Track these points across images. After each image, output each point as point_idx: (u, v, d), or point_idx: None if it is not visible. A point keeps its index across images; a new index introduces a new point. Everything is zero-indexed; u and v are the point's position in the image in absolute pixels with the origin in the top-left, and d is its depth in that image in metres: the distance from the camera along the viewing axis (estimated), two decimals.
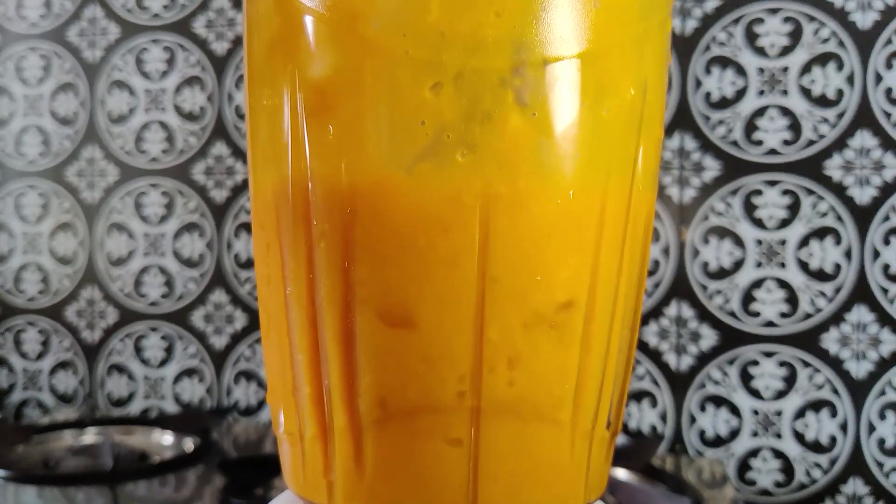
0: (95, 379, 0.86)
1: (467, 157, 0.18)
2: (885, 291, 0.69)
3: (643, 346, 0.73)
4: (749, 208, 0.71)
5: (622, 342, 0.22)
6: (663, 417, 0.73)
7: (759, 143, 0.71)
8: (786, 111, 0.70)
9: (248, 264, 0.82)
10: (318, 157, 0.20)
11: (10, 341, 0.88)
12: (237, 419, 0.82)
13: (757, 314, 0.71)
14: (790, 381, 0.70)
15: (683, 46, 0.72)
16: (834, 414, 0.70)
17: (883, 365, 0.69)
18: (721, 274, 0.72)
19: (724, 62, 0.72)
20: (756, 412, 0.71)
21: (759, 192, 0.71)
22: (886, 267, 0.69)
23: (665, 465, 0.68)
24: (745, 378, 0.71)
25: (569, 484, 0.22)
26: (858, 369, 0.69)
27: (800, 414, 0.70)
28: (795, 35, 0.70)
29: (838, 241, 0.69)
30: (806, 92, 0.70)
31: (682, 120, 0.72)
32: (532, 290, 0.20)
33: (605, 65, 0.19)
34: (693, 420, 0.72)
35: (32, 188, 0.88)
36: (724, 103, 0.72)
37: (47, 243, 0.87)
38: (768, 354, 0.71)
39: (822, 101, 0.70)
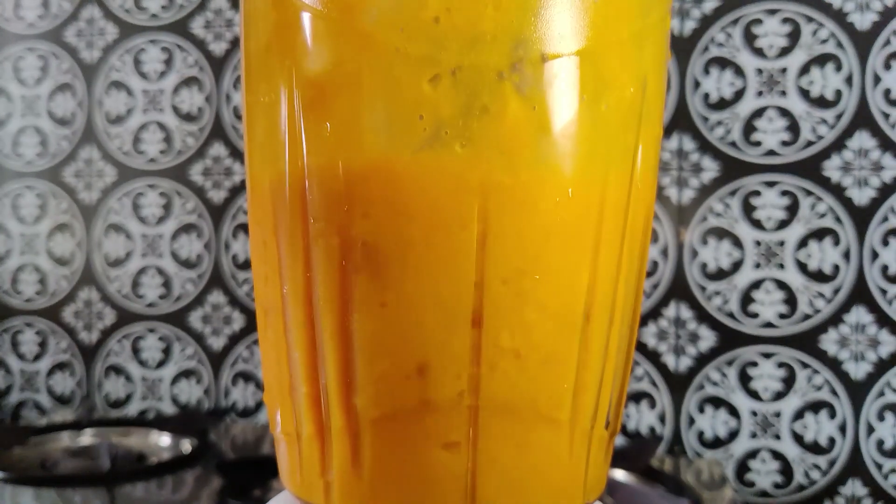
0: (93, 380, 0.86)
1: (465, 151, 0.18)
2: (884, 292, 0.69)
3: (642, 347, 0.73)
4: (748, 209, 0.71)
5: (621, 341, 0.22)
6: (662, 419, 0.73)
7: (758, 143, 0.71)
8: (784, 112, 0.70)
9: (246, 265, 0.82)
10: (316, 153, 0.19)
11: (8, 342, 0.88)
12: (235, 420, 0.82)
13: (756, 315, 0.71)
14: (789, 382, 0.70)
15: (682, 47, 0.72)
16: (833, 415, 0.70)
17: (882, 366, 0.69)
18: (720, 275, 0.72)
19: (722, 63, 0.72)
20: (755, 413, 0.71)
21: (757, 193, 0.71)
22: (885, 268, 0.69)
23: (664, 466, 0.68)
24: (744, 379, 0.71)
25: (567, 484, 0.22)
26: (857, 370, 0.69)
27: (799, 415, 0.70)
28: (794, 36, 0.70)
29: (837, 242, 0.69)
30: (804, 93, 0.70)
31: (680, 121, 0.72)
32: (531, 287, 0.19)
33: (605, 62, 0.19)
34: (692, 421, 0.72)
35: (30, 189, 0.87)
36: (722, 104, 0.72)
37: (45, 244, 0.87)
38: (767, 355, 0.71)
39: (821, 102, 0.70)
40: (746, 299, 0.71)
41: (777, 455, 0.71)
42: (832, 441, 0.70)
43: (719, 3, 0.72)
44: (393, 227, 0.19)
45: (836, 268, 0.69)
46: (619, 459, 0.61)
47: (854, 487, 0.69)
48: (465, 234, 0.19)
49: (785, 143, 0.70)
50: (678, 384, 0.73)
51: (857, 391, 0.69)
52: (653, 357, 0.73)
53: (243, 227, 0.82)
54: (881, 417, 0.69)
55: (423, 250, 0.19)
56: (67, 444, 0.71)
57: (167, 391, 0.84)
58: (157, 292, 0.84)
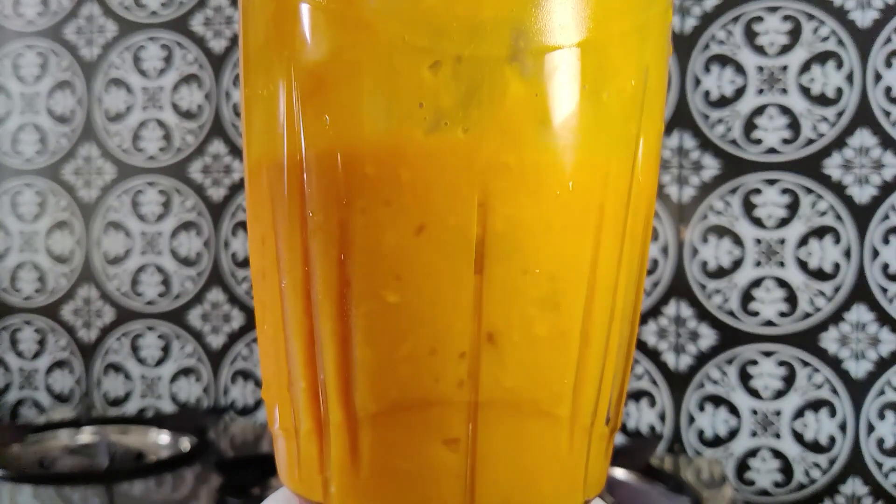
0: (92, 378, 0.86)
1: (467, 138, 0.18)
2: (885, 291, 0.69)
3: (642, 346, 0.73)
4: (748, 207, 0.71)
5: (622, 337, 0.22)
6: (662, 417, 0.73)
7: (759, 141, 0.71)
8: (785, 110, 0.70)
9: (246, 263, 0.82)
10: (314, 145, 0.19)
11: (7, 340, 0.88)
12: (234, 419, 0.82)
13: (756, 313, 0.71)
14: (789, 380, 0.70)
15: (683, 45, 0.72)
16: (833, 414, 0.69)
17: (882, 364, 0.69)
18: (720, 273, 0.71)
19: (723, 60, 0.71)
20: (755, 412, 0.71)
21: (758, 191, 0.71)
22: (886, 266, 0.69)
23: (664, 464, 0.68)
24: (744, 377, 0.71)
25: (567, 480, 0.22)
26: (858, 369, 0.69)
27: (799, 414, 0.70)
28: (795, 33, 0.70)
29: (837, 240, 0.69)
30: (805, 90, 0.70)
31: (681, 118, 0.72)
32: (531, 281, 0.19)
33: (606, 54, 0.19)
34: (692, 420, 0.72)
35: (29, 186, 0.87)
36: (723, 102, 0.71)
37: (44, 242, 0.87)
38: (767, 354, 0.70)
39: (822, 100, 0.69)
40: (747, 297, 0.71)
41: (777, 454, 0.70)
42: (832, 440, 0.70)
43: (720, 0, 0.71)
44: (392, 218, 0.19)
45: (837, 266, 0.69)
46: (618, 457, 0.61)
47: (854, 486, 0.69)
48: (465, 228, 0.19)
49: (786, 141, 0.70)
50: (678, 382, 0.72)
51: (858, 390, 0.69)
52: (653, 355, 0.73)
53: (243, 225, 0.82)
54: (881, 416, 0.69)
55: (423, 243, 0.19)
56: (66, 442, 0.71)
57: (166, 389, 0.84)
58: (157, 290, 0.84)
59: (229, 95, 0.82)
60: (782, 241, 0.70)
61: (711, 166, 0.71)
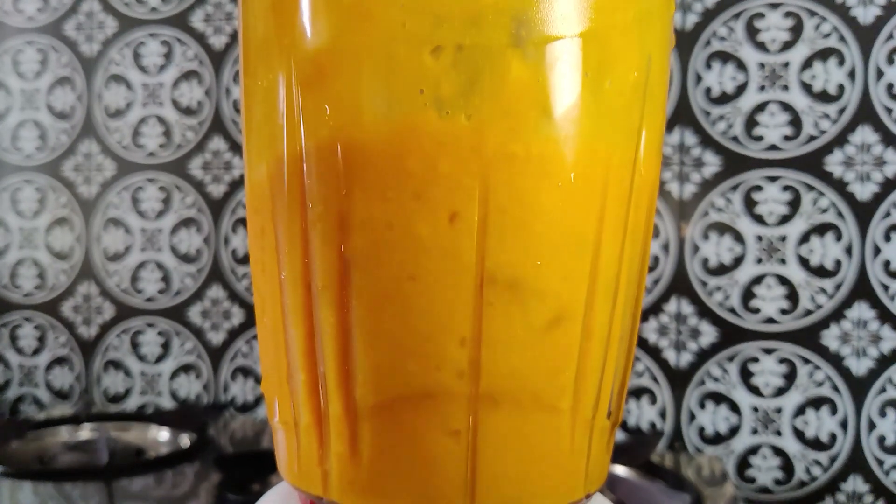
0: (92, 375, 0.86)
1: (469, 125, 0.18)
2: (886, 288, 0.68)
3: (642, 343, 0.73)
4: (749, 204, 0.71)
5: (623, 329, 0.22)
6: (662, 414, 0.73)
7: (760, 138, 0.70)
8: (786, 106, 0.70)
9: (246, 260, 0.82)
10: (314, 134, 0.19)
11: (6, 337, 0.88)
12: (234, 415, 0.82)
13: (757, 311, 0.71)
14: (790, 378, 0.70)
15: (684, 41, 0.72)
16: (834, 411, 0.69)
17: (883, 362, 0.69)
18: (721, 270, 0.71)
19: (724, 57, 0.71)
20: (756, 409, 0.71)
21: (759, 188, 0.70)
22: (887, 263, 0.68)
23: (664, 461, 0.68)
24: (745, 375, 0.71)
25: (569, 474, 0.22)
26: (859, 366, 0.69)
27: (800, 411, 0.70)
28: (796, 30, 0.70)
29: (839, 237, 0.69)
30: (807, 87, 0.70)
31: (682, 115, 0.72)
32: (532, 273, 0.19)
33: (608, 44, 0.19)
34: (692, 417, 0.72)
35: (29, 183, 0.87)
36: (724, 98, 0.71)
37: (44, 238, 0.87)
38: (768, 351, 0.70)
39: (823, 97, 0.69)
40: (748, 295, 0.71)
41: (778, 451, 0.70)
42: (833, 437, 0.69)
43: None
44: (393, 208, 0.19)
45: (838, 263, 0.69)
46: (619, 454, 0.60)
47: (855, 484, 0.69)
48: (467, 217, 0.18)
49: (787, 138, 0.70)
50: (679, 380, 0.72)
51: (859, 387, 0.69)
52: (654, 352, 0.73)
53: (243, 222, 0.82)
54: (882, 413, 0.69)
55: (424, 232, 0.19)
56: (66, 439, 0.71)
57: (166, 386, 0.84)
58: (157, 287, 0.84)
59: (229, 92, 0.82)
60: (783, 238, 0.70)
61: (712, 163, 0.71)
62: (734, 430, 0.71)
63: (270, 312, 0.22)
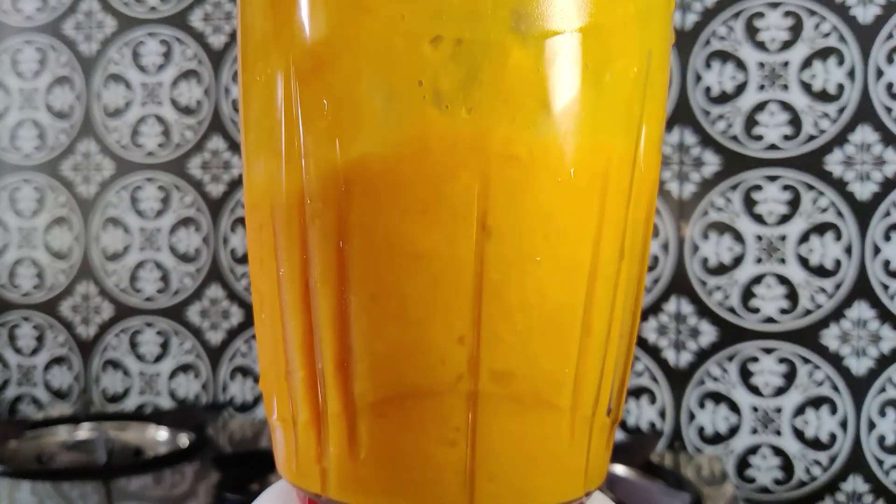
0: (90, 375, 0.85)
1: (467, 125, 0.18)
2: (886, 288, 0.68)
3: (642, 343, 0.73)
4: (749, 204, 0.71)
5: (623, 326, 0.22)
6: (662, 414, 0.72)
7: (760, 138, 0.70)
8: (786, 106, 0.70)
9: (245, 259, 0.82)
10: (312, 129, 0.19)
11: (5, 337, 0.88)
12: (233, 415, 0.82)
13: (757, 310, 0.70)
14: (790, 377, 0.70)
15: (683, 41, 0.72)
16: (834, 411, 0.69)
17: (883, 361, 0.69)
18: (721, 270, 0.71)
19: (724, 56, 0.71)
20: (755, 409, 0.71)
21: (759, 188, 0.70)
22: (887, 263, 0.68)
23: (664, 461, 0.68)
24: (745, 374, 0.71)
25: (568, 471, 0.21)
26: (859, 366, 0.69)
27: (799, 411, 0.70)
28: (796, 29, 0.70)
29: (839, 236, 0.69)
30: (806, 87, 0.70)
31: (681, 114, 0.72)
32: (532, 269, 0.19)
33: (608, 38, 0.19)
34: (692, 417, 0.72)
35: (27, 182, 0.87)
36: (724, 98, 0.71)
37: (42, 238, 0.87)
38: (768, 351, 0.70)
39: (823, 96, 0.69)
40: (747, 294, 0.71)
41: (778, 451, 0.70)
42: (833, 437, 0.69)
43: None
44: (391, 205, 0.18)
45: (838, 263, 0.69)
46: (618, 454, 0.60)
47: (855, 484, 0.69)
48: (466, 213, 0.18)
49: (787, 138, 0.70)
50: (678, 379, 0.72)
51: (859, 387, 0.69)
52: (653, 352, 0.73)
53: (242, 222, 0.82)
54: (882, 413, 0.69)
55: (423, 227, 0.18)
56: (64, 438, 0.71)
57: (165, 385, 0.84)
58: (156, 286, 0.84)
59: (228, 91, 0.82)
60: (783, 238, 0.70)
61: (712, 163, 0.71)
62: (734, 430, 0.71)
63: (269, 309, 0.22)
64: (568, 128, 0.18)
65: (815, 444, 0.70)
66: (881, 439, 0.69)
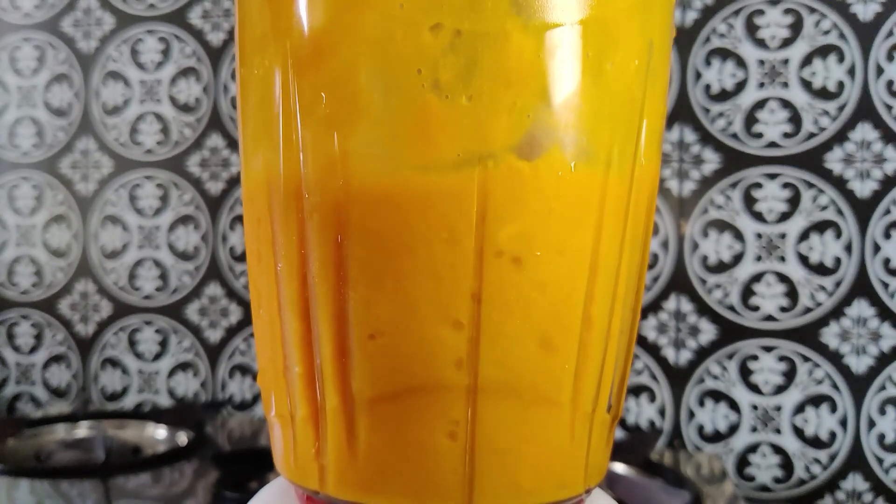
0: (89, 373, 0.85)
1: (467, 112, 0.18)
2: (886, 286, 0.68)
3: (641, 341, 0.72)
4: (749, 201, 0.70)
5: (623, 322, 0.22)
6: (662, 412, 0.72)
7: (760, 135, 0.70)
8: (786, 103, 0.70)
9: (244, 257, 0.82)
10: (310, 123, 0.19)
11: (3, 335, 0.87)
12: (231, 413, 0.81)
13: (756, 308, 0.70)
14: (790, 375, 0.70)
15: (683, 38, 0.72)
16: (834, 409, 0.69)
17: (883, 360, 0.68)
18: (720, 268, 0.71)
19: (724, 54, 0.71)
20: (755, 407, 0.70)
21: (758, 185, 0.70)
22: (887, 261, 0.68)
23: (663, 459, 0.67)
24: (745, 373, 0.71)
25: (568, 468, 0.21)
26: (858, 364, 0.69)
27: (799, 409, 0.70)
28: (796, 27, 0.70)
29: (839, 234, 0.69)
30: (806, 84, 0.69)
31: (681, 112, 0.72)
32: (532, 264, 0.19)
33: (609, 30, 0.19)
34: (692, 415, 0.72)
35: (26, 180, 0.87)
36: (724, 95, 0.71)
37: (41, 236, 0.87)
38: (768, 349, 0.70)
39: (823, 94, 0.69)
40: (747, 292, 0.71)
41: (777, 449, 0.70)
42: (833, 435, 0.69)
43: None
44: (389, 199, 0.18)
45: (838, 261, 0.69)
46: (618, 452, 0.60)
47: (855, 482, 0.69)
48: (465, 206, 0.18)
49: (786, 135, 0.70)
50: (678, 378, 0.72)
51: (859, 385, 0.69)
52: (653, 350, 0.72)
53: (240, 219, 0.81)
54: (882, 411, 0.68)
55: (421, 224, 0.18)
56: (63, 437, 0.71)
57: (163, 384, 0.84)
58: (154, 284, 0.84)
59: (227, 88, 0.82)
60: (783, 236, 0.70)
61: (712, 160, 0.71)
62: (733, 428, 0.71)
63: (266, 304, 0.22)
64: (567, 121, 0.18)
65: (815, 443, 0.69)
66: (881, 437, 0.69)
